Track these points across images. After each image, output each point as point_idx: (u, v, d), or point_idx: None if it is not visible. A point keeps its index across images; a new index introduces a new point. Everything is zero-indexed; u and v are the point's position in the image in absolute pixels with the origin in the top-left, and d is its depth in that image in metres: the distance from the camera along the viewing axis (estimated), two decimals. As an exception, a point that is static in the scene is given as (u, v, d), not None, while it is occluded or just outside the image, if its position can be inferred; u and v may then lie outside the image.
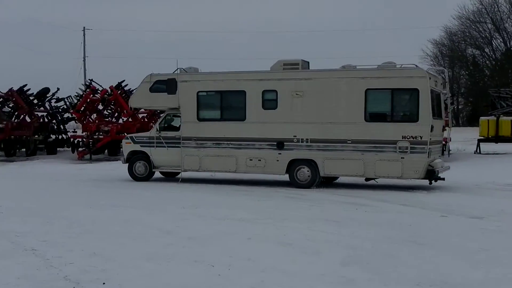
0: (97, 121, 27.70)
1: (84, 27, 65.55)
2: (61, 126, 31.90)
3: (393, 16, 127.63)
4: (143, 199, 13.89)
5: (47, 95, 30.72)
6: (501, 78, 58.48)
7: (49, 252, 8.09)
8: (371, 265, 7.44)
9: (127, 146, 18.05)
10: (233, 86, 16.59)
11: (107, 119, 29.12)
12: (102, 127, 26.60)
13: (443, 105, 16.89)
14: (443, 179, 15.39)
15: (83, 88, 29.12)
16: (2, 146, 28.83)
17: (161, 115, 17.93)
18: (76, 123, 31.69)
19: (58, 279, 6.80)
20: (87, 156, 26.86)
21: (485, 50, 66.42)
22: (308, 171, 15.82)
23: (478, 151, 28.87)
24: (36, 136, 29.59)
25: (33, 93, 29.97)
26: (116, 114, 29.63)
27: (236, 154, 16.36)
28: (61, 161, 26.18)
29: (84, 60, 64.41)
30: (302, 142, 15.76)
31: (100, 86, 28.51)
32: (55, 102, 31.33)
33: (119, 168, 18.30)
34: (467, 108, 70.03)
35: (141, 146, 17.65)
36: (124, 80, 28.67)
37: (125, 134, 22.81)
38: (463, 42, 67.53)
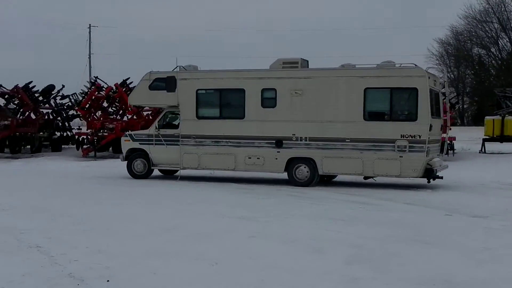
0: (101, 118, 27.76)
1: (89, 25, 65.52)
2: (66, 123, 31.97)
3: (398, 15, 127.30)
4: (146, 196, 13.91)
5: (52, 92, 30.79)
6: (506, 78, 58.30)
7: (54, 249, 8.11)
8: (374, 264, 7.43)
9: (126, 144, 18.07)
10: (232, 84, 16.63)
11: (112, 117, 29.16)
12: (106, 125, 26.63)
13: (442, 104, 16.87)
14: (441, 177, 15.43)
15: (88, 86, 29.17)
16: (7, 143, 28.89)
17: (161, 112, 17.96)
18: (81, 120, 31.77)
19: (63, 276, 6.81)
20: (92, 154, 26.90)
21: (491, 49, 66.26)
22: (306, 169, 15.84)
23: (483, 150, 28.81)
24: (41, 133, 29.64)
25: (38, 90, 30.03)
26: (121, 111, 29.66)
27: (235, 152, 16.39)
28: (66, 158, 26.22)
29: (90, 58, 64.45)
30: (301, 140, 15.79)
31: (105, 83, 28.55)
32: (60, 99, 31.42)
33: (123, 165, 18.33)
34: (472, 108, 69.89)
35: (140, 143, 17.67)
36: (129, 78, 28.70)
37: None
38: (469, 42, 67.38)
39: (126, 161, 17.99)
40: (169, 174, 18.66)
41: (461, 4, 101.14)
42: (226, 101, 16.86)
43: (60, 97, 31.16)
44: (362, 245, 8.47)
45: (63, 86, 31.07)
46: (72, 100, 30.59)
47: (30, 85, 29.62)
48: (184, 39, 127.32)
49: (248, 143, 16.27)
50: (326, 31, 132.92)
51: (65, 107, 31.68)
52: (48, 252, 7.93)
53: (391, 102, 15.20)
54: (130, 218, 10.83)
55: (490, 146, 29.04)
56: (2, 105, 29.78)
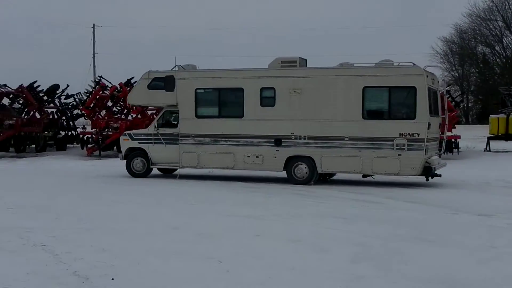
0: (106, 117, 27.78)
1: (93, 24, 65.59)
2: (71, 123, 32.02)
3: (402, 13, 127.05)
4: (151, 195, 13.92)
5: (57, 92, 30.84)
6: (511, 76, 58.17)
7: (58, 247, 8.13)
8: (379, 262, 7.43)
9: (125, 143, 18.10)
10: (231, 84, 16.66)
11: (116, 116, 29.19)
12: (111, 124, 26.67)
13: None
14: (440, 175, 15.45)
15: (93, 85, 29.21)
16: (12, 142, 28.93)
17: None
18: (85, 119, 31.83)
19: (68, 275, 6.83)
20: (96, 153, 26.95)
21: (496, 48, 66.10)
22: (305, 168, 15.87)
23: (488, 149, 28.77)
24: (46, 132, 29.71)
25: (43, 89, 30.08)
26: (125, 110, 29.69)
27: (234, 151, 16.42)
28: (71, 158, 26.28)
29: (94, 57, 64.53)
30: (299, 139, 15.82)
31: (110, 82, 28.60)
32: (65, 99, 31.47)
33: (127, 164, 18.37)
34: (477, 106, 69.75)
35: (139, 142, 17.70)
36: (133, 77, 28.66)
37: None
38: (473, 40, 67.24)
39: (125, 160, 18.02)
40: (168, 173, 18.68)
41: (465, 2, 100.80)
42: (225, 100, 16.91)
43: (64, 96, 31.22)
44: (367, 244, 8.47)
45: (68, 85, 31.14)
46: (77, 100, 30.65)
47: (35, 85, 29.67)
48: (184, 38, 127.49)
49: (247, 142, 16.31)
50: (326, 30, 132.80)
51: (69, 106, 31.74)
52: (52, 251, 7.94)
53: (390, 100, 15.27)
54: (134, 216, 10.85)
55: (495, 145, 28.98)
56: (7, 104, 29.84)
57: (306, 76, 15.93)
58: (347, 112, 15.40)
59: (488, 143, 28.94)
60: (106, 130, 26.79)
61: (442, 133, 16.94)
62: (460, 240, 8.82)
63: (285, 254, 7.85)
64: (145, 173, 17.77)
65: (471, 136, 34.44)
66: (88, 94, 28.47)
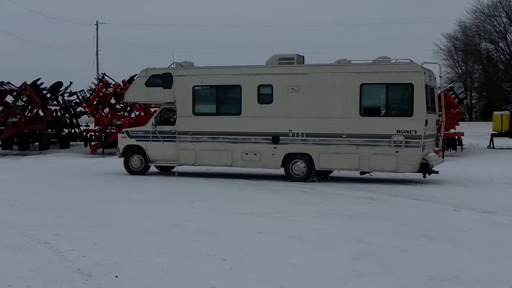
0: (109, 115, 27.82)
1: (97, 21, 65.59)
2: (74, 120, 32.09)
3: (406, 9, 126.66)
4: (154, 193, 13.93)
5: (60, 89, 30.90)
6: (515, 73, 58.03)
7: (62, 245, 8.15)
8: (382, 260, 7.43)
9: (122, 140, 18.13)
10: (228, 81, 16.67)
11: (120, 113, 29.21)
12: (114, 121, 26.72)
13: (438, 99, 16.90)
14: (437, 172, 15.51)
15: (96, 82, 29.24)
16: (15, 140, 29.03)
17: (157, 109, 18.01)
18: (88, 117, 31.88)
19: (71, 272, 6.85)
20: (100, 150, 27.00)
21: (500, 44, 65.85)
22: (303, 165, 15.91)
23: (491, 145, 28.73)
24: (49, 130, 29.80)
25: (46, 87, 30.14)
26: (129, 108, 29.71)
27: (232, 148, 16.45)
28: (74, 155, 26.35)
29: (97, 54, 64.56)
30: (297, 136, 15.85)
31: (113, 80, 28.62)
32: (68, 96, 31.53)
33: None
34: (480, 103, 69.57)
35: (136, 140, 17.73)
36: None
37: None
38: (477, 36, 66.99)
39: (123, 158, 18.07)
40: (165, 171, 18.72)
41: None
42: (222, 98, 16.93)
43: (68, 94, 31.27)
44: (370, 241, 8.47)
45: (71, 83, 31.22)
46: (80, 97, 30.69)
47: (38, 82, 29.72)
48: (184, 36, 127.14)
49: (245, 139, 16.34)
50: (334, 25, 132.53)
51: (73, 104, 31.79)
52: (56, 248, 7.97)
53: (387, 97, 15.32)
54: (138, 214, 10.87)
55: (499, 142, 28.94)
56: (11, 102, 29.92)
57: (304, 73, 15.95)
58: (345, 109, 15.43)
59: (491, 140, 28.91)
60: (109, 127, 26.83)
61: (439, 131, 16.97)
62: (463, 237, 8.81)
63: (288, 252, 7.85)
64: (143, 171, 17.80)
65: (474, 133, 34.41)
66: (91, 92, 28.51)
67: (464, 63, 69.68)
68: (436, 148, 22.48)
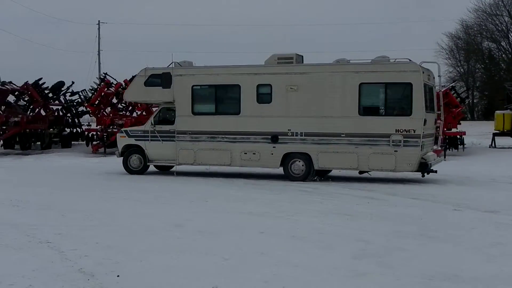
0: (111, 114, 27.84)
1: (99, 21, 65.57)
2: (76, 120, 32.11)
3: (406, 9, 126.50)
4: (154, 192, 13.95)
5: (62, 89, 30.93)
6: (517, 72, 57.96)
7: (64, 244, 8.16)
8: (383, 259, 7.43)
9: (121, 140, 18.17)
10: (227, 80, 16.70)
11: (121, 113, 29.24)
12: (116, 121, 26.72)
13: (437, 98, 16.94)
14: (436, 171, 15.52)
15: (98, 82, 29.25)
16: (17, 139, 29.07)
17: (156, 109, 18.04)
18: (90, 116, 31.87)
19: (73, 272, 6.86)
20: (102, 150, 27.01)
21: (501, 43, 65.78)
22: (302, 164, 15.93)
23: (493, 145, 28.70)
24: (51, 129, 29.83)
25: (48, 86, 30.16)
26: (130, 107, 29.74)
27: (231, 147, 16.48)
28: (76, 155, 26.37)
29: (99, 54, 64.54)
30: (296, 135, 15.88)
31: (115, 79, 28.64)
32: (70, 96, 31.55)
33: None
34: (482, 102, 69.49)
35: (135, 140, 17.76)
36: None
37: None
38: (479, 35, 66.91)
39: (122, 157, 18.09)
40: (164, 170, 18.74)
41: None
42: (221, 97, 16.97)
43: (69, 93, 31.29)
44: (370, 240, 8.47)
45: (73, 82, 31.28)
46: (82, 97, 30.69)
47: (40, 82, 29.75)
48: (184, 36, 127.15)
49: (244, 138, 16.37)
50: (336, 24, 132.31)
51: (74, 103, 31.81)
52: (58, 248, 7.98)
53: (386, 97, 15.38)
54: (138, 214, 10.88)
55: (500, 141, 28.91)
56: (12, 101, 29.96)
57: (303, 73, 15.97)
58: (344, 108, 15.46)
59: (493, 139, 28.89)
60: (111, 127, 26.84)
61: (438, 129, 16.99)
62: (464, 237, 8.81)
63: (289, 251, 7.86)
64: (141, 170, 17.83)
65: (476, 132, 34.37)
66: (93, 91, 28.51)
67: (466, 62, 69.61)
68: (437, 148, 22.53)
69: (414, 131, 14.81)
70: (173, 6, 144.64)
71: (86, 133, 30.01)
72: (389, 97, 15.34)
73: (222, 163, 16.81)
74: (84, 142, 30.05)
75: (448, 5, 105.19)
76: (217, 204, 12.13)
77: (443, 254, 7.73)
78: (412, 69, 14.96)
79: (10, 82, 29.44)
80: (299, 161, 15.96)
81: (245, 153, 16.35)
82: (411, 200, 12.56)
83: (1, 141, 28.46)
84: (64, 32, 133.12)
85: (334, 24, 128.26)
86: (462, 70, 69.88)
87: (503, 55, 67.04)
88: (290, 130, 15.91)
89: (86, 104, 28.76)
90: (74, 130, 31.91)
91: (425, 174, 15.48)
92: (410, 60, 15.24)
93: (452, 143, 25.69)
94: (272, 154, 16.11)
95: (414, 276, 6.70)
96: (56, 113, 30.83)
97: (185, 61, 17.57)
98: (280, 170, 16.54)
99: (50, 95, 30.66)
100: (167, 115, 17.73)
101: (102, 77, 30.03)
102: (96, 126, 28.18)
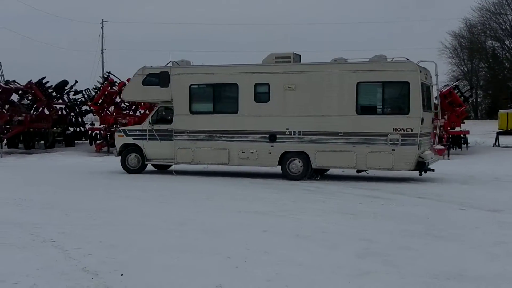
0: (114, 113, 27.85)
1: (102, 20, 65.72)
2: (79, 119, 32.13)
3: (406, 9, 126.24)
4: (159, 191, 13.97)
5: (66, 88, 30.94)
6: (521, 71, 57.81)
7: (68, 243, 8.17)
8: (387, 258, 7.42)
9: (119, 139, 18.21)
10: (225, 79, 16.74)
11: (125, 112, 29.25)
12: (119, 120, 26.73)
13: (434, 97, 16.98)
14: (433, 170, 15.55)
15: (101, 81, 29.27)
16: (21, 138, 29.11)
17: (154, 108, 18.09)
18: (94, 115, 31.90)
19: (77, 270, 6.87)
20: (105, 149, 27.03)
21: (505, 42, 65.68)
22: (300, 163, 15.96)
23: (497, 144, 28.63)
24: (55, 128, 29.85)
25: (51, 85, 30.18)
26: (134, 106, 29.75)
27: (229, 146, 16.51)
28: (79, 154, 26.39)
29: (102, 53, 64.66)
30: (294, 134, 15.92)
31: (118, 78, 28.65)
32: (73, 95, 31.56)
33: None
34: (486, 101, 69.38)
35: (133, 139, 17.79)
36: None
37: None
38: (482, 34, 66.81)
39: (120, 156, 18.11)
40: (162, 169, 18.77)
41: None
42: (219, 96, 17.02)
43: (73, 92, 31.32)
44: (374, 239, 8.46)
45: (76, 81, 31.29)
46: (85, 96, 30.72)
47: (44, 81, 29.77)
48: (186, 35, 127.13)
49: (242, 137, 16.41)
50: (339, 23, 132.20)
51: (78, 102, 31.83)
52: (62, 247, 7.99)
53: (383, 96, 15.43)
54: (143, 212, 10.89)
55: (504, 140, 28.82)
56: (16, 100, 30.00)
57: (300, 72, 16.01)
58: (341, 107, 15.51)
59: (497, 138, 28.81)
60: (114, 126, 26.84)
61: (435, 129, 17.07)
62: (468, 236, 8.80)
63: (293, 250, 7.86)
64: (139, 169, 17.86)
65: (480, 131, 34.26)
66: (96, 90, 28.54)
67: (470, 61, 69.50)
68: (441, 147, 22.51)
69: (412, 130, 14.86)
70: (173, 6, 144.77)
71: (89, 132, 30.04)
72: (386, 96, 15.41)
73: (220, 162, 16.85)
74: (88, 141, 30.07)
75: (448, 5, 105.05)
76: (221, 202, 12.15)
77: (447, 253, 7.72)
78: (410, 68, 15.01)
79: (14, 81, 29.49)
80: (297, 160, 15.98)
81: (243, 152, 16.38)
82: (415, 199, 12.55)
83: (5, 140, 28.49)
84: (65, 30, 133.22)
85: (334, 23, 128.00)
86: (465, 69, 69.80)
87: (507, 54, 66.93)
88: (288, 129, 15.94)
89: (90, 103, 28.79)
90: (78, 129, 31.92)
91: (423, 172, 15.53)
92: (407, 59, 15.31)
93: (455, 142, 25.64)
94: (270, 153, 16.15)
95: (418, 275, 6.69)
96: (59, 112, 30.83)
97: (183, 60, 17.60)
98: (278, 169, 16.55)
99: (54, 94, 30.68)
100: (165, 114, 17.77)
101: (105, 76, 30.03)
102: (100, 125, 28.18)
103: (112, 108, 28.57)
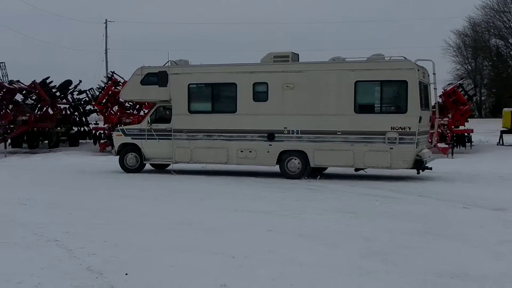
0: (118, 113, 27.89)
1: (106, 20, 65.67)
2: (83, 118, 32.20)
3: (415, 6, 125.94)
4: (162, 190, 13.99)
5: (69, 88, 31.00)
6: (525, 69, 57.65)
7: (72, 243, 8.19)
8: (389, 257, 7.42)
9: (118, 139, 18.26)
10: (224, 79, 16.77)
11: (129, 111, 29.30)
12: (123, 119, 26.77)
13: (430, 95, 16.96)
14: (431, 168, 15.62)
15: (105, 81, 29.30)
16: (25, 138, 29.18)
17: (152, 107, 18.13)
18: (98, 115, 31.94)
19: (81, 270, 6.88)
20: (109, 148, 27.06)
21: (509, 40, 65.38)
22: (298, 162, 16.00)
23: (501, 142, 28.58)
24: (59, 128, 29.92)
25: (55, 85, 30.25)
26: (138, 106, 29.79)
27: (227, 146, 16.55)
28: (83, 153, 26.45)
29: (106, 53, 64.65)
30: (292, 133, 15.95)
31: (122, 78, 28.68)
32: (77, 95, 31.64)
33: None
34: (490, 99, 69.17)
35: (132, 138, 17.82)
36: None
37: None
38: (486, 33, 66.58)
39: (119, 156, 18.15)
40: (160, 168, 18.80)
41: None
42: (218, 95, 17.06)
43: (77, 92, 31.38)
44: (377, 238, 8.46)
45: (80, 81, 31.37)
46: (89, 95, 30.78)
47: (48, 81, 29.83)
48: (186, 34, 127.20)
49: (240, 136, 16.44)
50: (344, 22, 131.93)
51: (82, 102, 31.89)
52: (66, 246, 8.01)
53: (381, 94, 15.48)
54: (146, 212, 10.91)
55: (508, 138, 28.76)
56: (20, 100, 30.06)
57: (299, 71, 16.05)
58: (339, 106, 15.54)
59: (501, 136, 28.76)
60: (118, 125, 26.87)
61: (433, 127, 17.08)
62: (473, 235, 8.78)
63: (297, 249, 7.86)
64: (138, 169, 17.90)
65: (484, 130, 34.19)
66: (100, 90, 28.58)
67: (474, 59, 69.26)
68: (445, 146, 22.48)
69: (410, 129, 14.90)
70: (173, 6, 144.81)
71: (93, 131, 30.09)
72: (384, 95, 15.45)
73: (219, 161, 16.89)
74: (92, 140, 30.13)
75: (448, 4, 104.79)
76: (225, 202, 12.14)
77: (452, 252, 7.71)
78: (407, 67, 15.05)
79: (18, 81, 29.55)
80: (295, 159, 16.01)
81: (241, 151, 16.43)
82: (418, 198, 12.53)
83: (9, 139, 28.56)
84: (67, 30, 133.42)
85: (335, 22, 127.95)
86: (469, 67, 69.57)
87: (511, 52, 66.63)
88: (286, 128, 15.97)
89: (94, 103, 28.86)
90: (82, 129, 32.00)
91: (420, 171, 15.56)
92: (405, 58, 15.34)
93: (459, 140, 25.60)
94: (268, 152, 16.18)
95: (421, 274, 6.68)
96: (63, 112, 30.91)
97: (181, 60, 17.64)
98: (276, 168, 16.56)
99: (58, 94, 30.74)
100: (163, 114, 17.80)
101: (109, 75, 30.07)
102: (104, 124, 28.24)
103: (116, 108, 28.61)
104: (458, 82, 30.37)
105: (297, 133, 15.90)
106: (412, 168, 15.32)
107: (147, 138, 17.55)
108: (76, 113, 31.85)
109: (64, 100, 31.38)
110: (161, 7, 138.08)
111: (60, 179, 16.80)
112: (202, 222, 9.75)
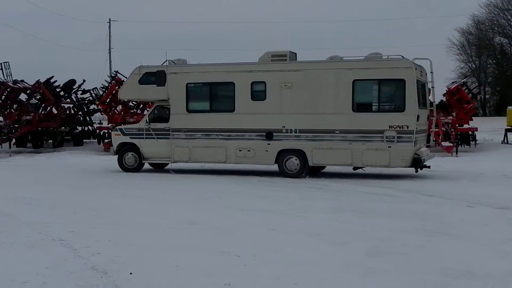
0: (122, 112, 27.92)
1: (109, 19, 65.73)
2: (87, 118, 32.24)
3: (418, 4, 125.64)
4: (166, 189, 14.01)
5: (73, 87, 31.05)
6: (529, 67, 57.45)
7: (77, 242, 8.21)
8: (396, 256, 7.41)
9: (116, 138, 18.27)
10: (222, 78, 16.78)
11: (133, 111, 29.32)
12: (127, 119, 26.80)
13: (430, 94, 16.97)
14: (429, 167, 15.63)
15: (109, 80, 29.33)
16: (29, 137, 29.23)
17: (150, 107, 18.15)
18: (102, 114, 32.00)
19: (86, 269, 6.90)
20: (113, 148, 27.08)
21: (513, 38, 65.25)
22: (297, 161, 16.02)
23: (505, 141, 28.51)
24: (63, 127, 29.97)
25: (59, 85, 30.30)
26: (141, 105, 29.81)
27: (226, 145, 16.56)
28: (88, 153, 26.48)
29: (110, 52, 64.72)
30: (291, 132, 15.97)
31: (125, 77, 28.65)
32: (81, 94, 31.68)
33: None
34: (494, 98, 69.00)
35: (130, 138, 17.85)
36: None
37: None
38: (490, 31, 66.38)
39: (117, 155, 18.18)
40: (159, 168, 18.80)
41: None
42: (216, 95, 17.08)
43: (81, 91, 31.42)
44: (383, 238, 8.45)
45: (84, 80, 31.39)
46: (93, 95, 30.81)
47: (52, 80, 29.88)
48: (187, 34, 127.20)
49: (239, 135, 16.47)
50: (348, 20, 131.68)
51: (86, 101, 31.93)
52: (71, 246, 8.03)
53: (379, 93, 15.51)
54: (150, 211, 10.92)
55: (513, 137, 28.69)
56: (24, 100, 30.12)
57: (297, 70, 16.07)
58: (337, 105, 15.57)
59: (505, 135, 28.68)
60: (122, 125, 26.88)
61: (430, 127, 17.09)
62: (477, 233, 8.77)
63: (302, 248, 7.86)
64: (136, 168, 17.93)
65: (488, 128, 34.13)
66: (104, 89, 28.61)
67: (478, 57, 69.07)
68: (449, 144, 22.44)
69: (408, 127, 14.92)
70: (173, 6, 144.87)
71: (97, 131, 30.12)
72: (382, 93, 15.49)
73: (217, 160, 16.92)
74: (96, 140, 30.17)
75: (452, 2, 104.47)
76: (230, 201, 12.15)
77: (457, 251, 7.70)
78: (405, 65, 15.06)
79: (22, 81, 29.60)
80: (294, 158, 16.03)
81: (240, 150, 16.45)
82: (423, 197, 12.52)
83: (14, 139, 28.63)
84: (68, 29, 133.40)
85: (335, 21, 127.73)
86: (473, 65, 69.38)
87: (515, 50, 66.47)
88: (284, 127, 16.00)
89: (98, 102, 28.89)
90: (86, 128, 32.05)
91: (418, 169, 15.56)
92: (402, 56, 15.35)
93: (464, 139, 25.56)
94: (266, 151, 16.20)
95: (427, 272, 6.68)
96: (67, 111, 30.95)
97: (179, 59, 17.66)
98: (274, 167, 16.57)
99: (62, 93, 30.79)
100: (161, 113, 17.82)
101: (113, 75, 30.09)
102: (108, 124, 28.28)
103: (120, 107, 28.64)
104: (462, 81, 30.31)
105: (295, 132, 15.92)
106: (410, 166, 15.34)
107: (146, 138, 17.57)
108: (80, 113, 31.90)
109: (68, 100, 31.42)
110: (161, 6, 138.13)
111: (64, 179, 16.84)
112: (206, 222, 9.75)
